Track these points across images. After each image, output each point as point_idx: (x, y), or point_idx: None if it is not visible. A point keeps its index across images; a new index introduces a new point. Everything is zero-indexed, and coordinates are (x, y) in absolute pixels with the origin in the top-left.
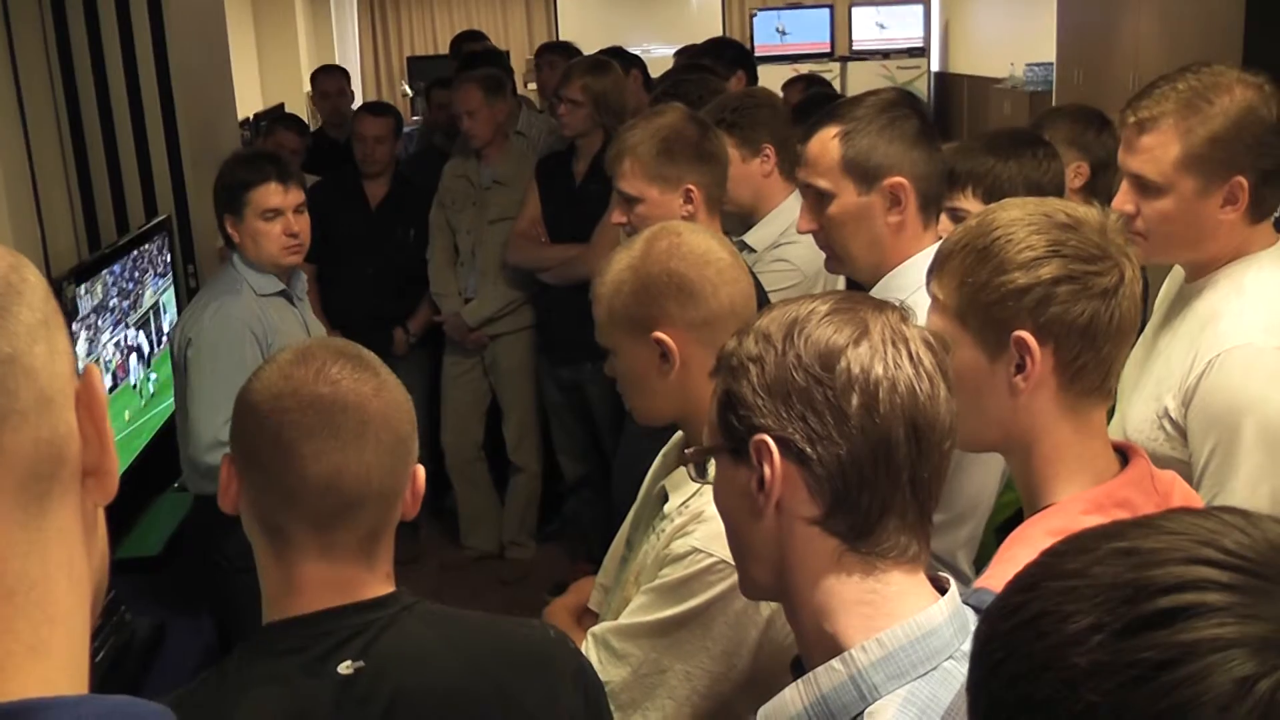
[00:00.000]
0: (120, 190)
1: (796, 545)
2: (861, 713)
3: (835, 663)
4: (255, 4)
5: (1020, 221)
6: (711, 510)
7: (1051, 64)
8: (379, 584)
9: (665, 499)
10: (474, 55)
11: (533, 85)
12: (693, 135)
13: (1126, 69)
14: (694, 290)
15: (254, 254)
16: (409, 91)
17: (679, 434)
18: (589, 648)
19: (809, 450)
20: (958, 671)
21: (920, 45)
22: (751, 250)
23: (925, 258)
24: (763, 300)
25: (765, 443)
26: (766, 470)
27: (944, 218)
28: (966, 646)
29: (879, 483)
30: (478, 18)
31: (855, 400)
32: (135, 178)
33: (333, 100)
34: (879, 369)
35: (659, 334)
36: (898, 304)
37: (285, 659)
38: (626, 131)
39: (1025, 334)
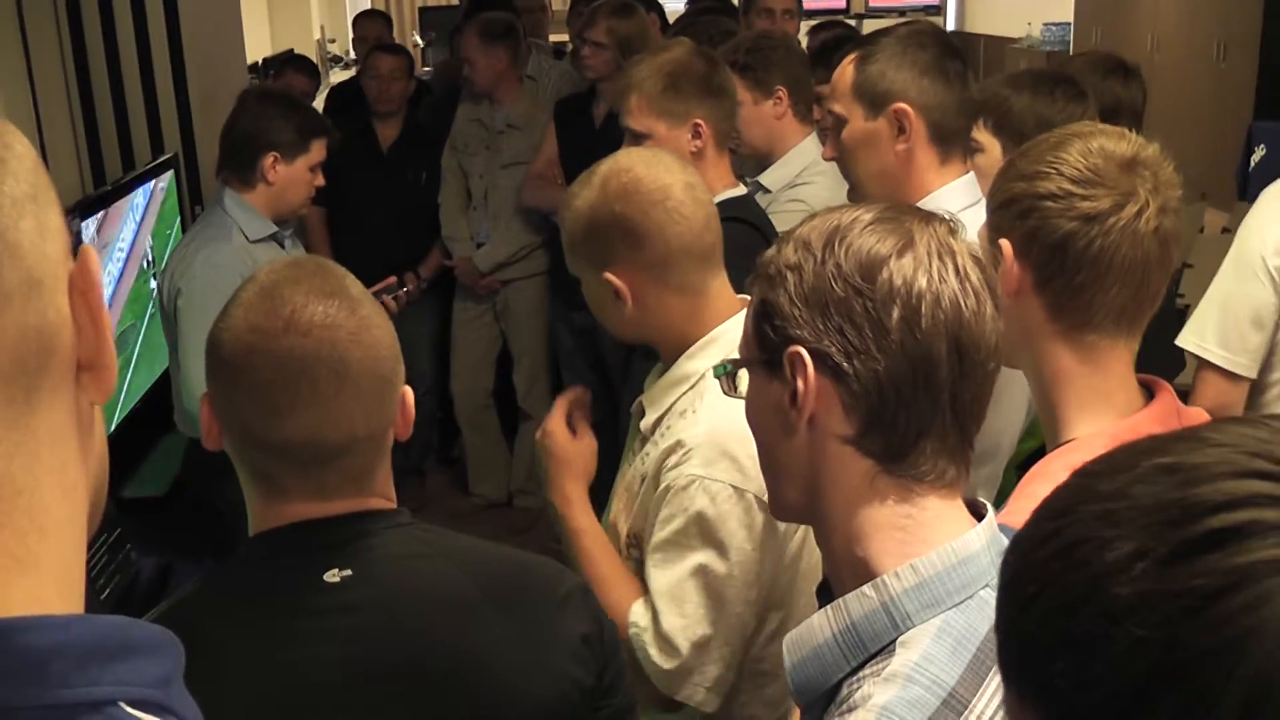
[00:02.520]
0: (126, 128)
1: (829, 465)
2: (893, 641)
3: (867, 589)
4: None
5: (1056, 139)
6: (690, 436)
7: (1069, 24)
8: (376, 506)
9: (642, 415)
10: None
11: (554, 36)
12: (700, 69)
13: (1145, 29)
14: (640, 234)
15: (273, 198)
16: (420, 42)
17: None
18: (643, 635)
19: (845, 365)
20: (993, 601)
21: (936, 3)
22: (766, 191)
23: (948, 193)
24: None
25: (800, 355)
26: (800, 384)
27: None
28: None
29: (917, 402)
30: None
31: (896, 313)
32: (141, 116)
33: (370, 46)
34: (922, 282)
35: (608, 275)
36: (947, 216)
37: (271, 567)
38: (633, 67)
39: (1005, 242)
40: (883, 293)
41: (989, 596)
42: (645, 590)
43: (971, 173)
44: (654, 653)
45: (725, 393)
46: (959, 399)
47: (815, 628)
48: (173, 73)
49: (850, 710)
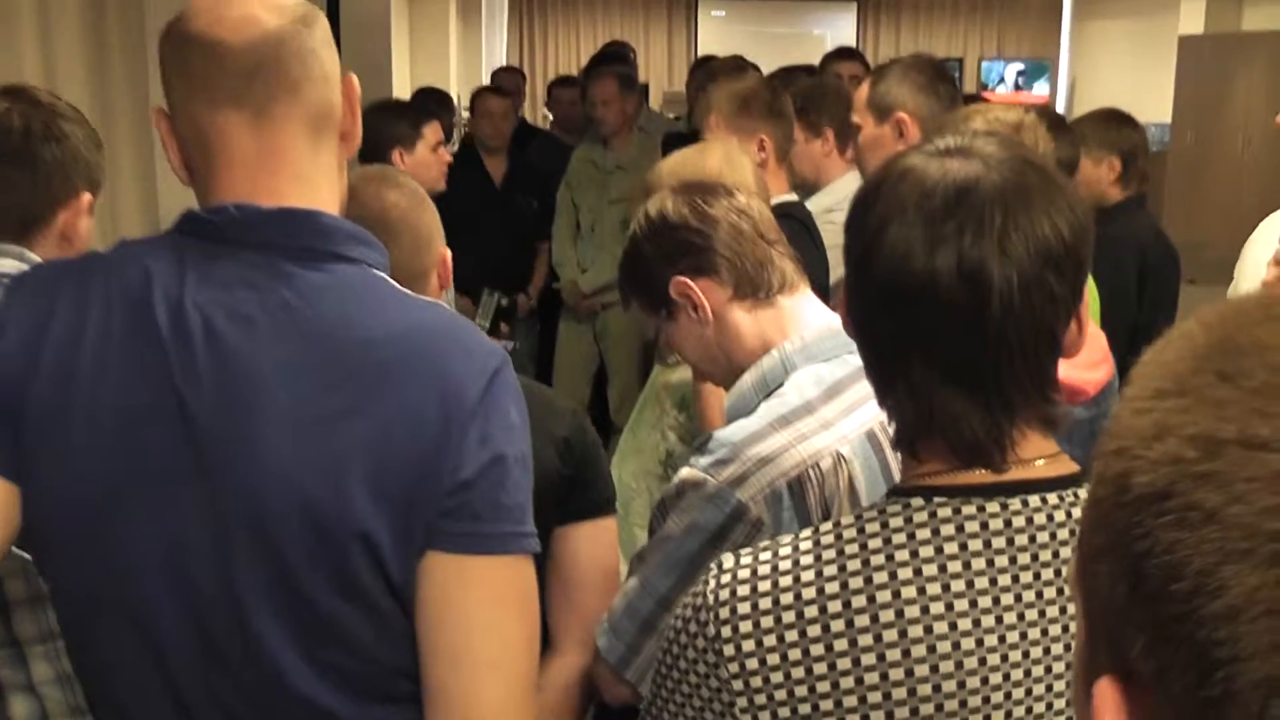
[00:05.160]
0: None
1: (732, 326)
2: (783, 381)
3: (773, 351)
4: (412, 34)
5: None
6: None
7: (1167, 124)
8: None
9: None
10: (605, 55)
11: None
12: (767, 96)
13: (1236, 130)
14: None
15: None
16: (550, 115)
17: None
18: None
19: (707, 263)
20: (852, 362)
21: (1046, 102)
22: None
23: None
24: (821, 254)
25: (682, 283)
26: (694, 296)
27: None
28: None
29: (750, 255)
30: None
31: (715, 229)
32: None
33: (478, 89)
34: (718, 214)
35: None
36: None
37: None
38: (713, 91)
39: None
40: (688, 217)
41: (850, 358)
42: None
43: None
44: None
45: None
46: (768, 239)
47: (743, 381)
48: None
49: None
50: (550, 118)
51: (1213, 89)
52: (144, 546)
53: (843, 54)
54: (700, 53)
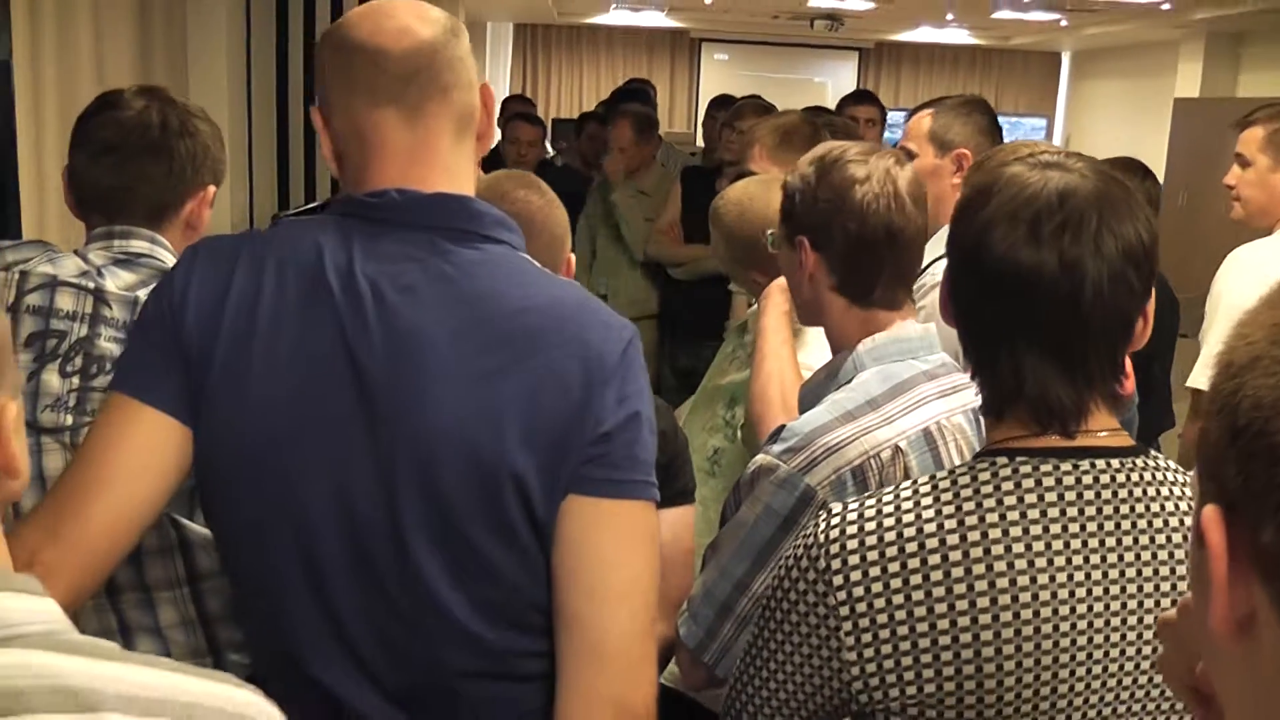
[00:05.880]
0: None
1: (824, 303)
2: (853, 377)
3: (845, 352)
4: None
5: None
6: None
7: (1160, 183)
8: None
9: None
10: (627, 92)
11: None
12: (807, 130)
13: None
14: None
15: None
16: (551, 151)
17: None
18: None
19: (829, 250)
20: (917, 366)
21: None
22: None
23: None
24: None
25: (802, 240)
26: (803, 256)
27: None
28: (932, 358)
29: (867, 265)
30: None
31: (853, 220)
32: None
33: (512, 115)
34: (869, 197)
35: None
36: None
37: None
38: (756, 127)
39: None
40: (847, 207)
41: (914, 363)
42: None
43: None
44: None
45: (772, 249)
46: (897, 262)
47: (818, 374)
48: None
49: (818, 405)
50: (552, 152)
51: (1206, 151)
52: (313, 482)
53: (860, 97)
54: (702, 95)
